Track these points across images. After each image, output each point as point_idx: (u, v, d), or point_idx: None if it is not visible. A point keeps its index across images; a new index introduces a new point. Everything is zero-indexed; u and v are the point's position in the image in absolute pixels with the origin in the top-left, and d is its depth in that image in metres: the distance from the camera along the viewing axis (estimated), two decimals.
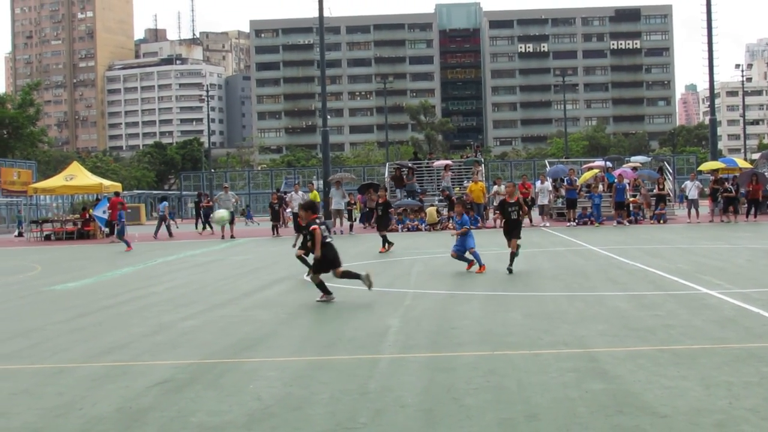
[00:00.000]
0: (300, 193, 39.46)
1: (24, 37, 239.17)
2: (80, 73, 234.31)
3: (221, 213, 13.14)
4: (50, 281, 20.35)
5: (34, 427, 6.95)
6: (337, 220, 40.45)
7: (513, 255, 18.30)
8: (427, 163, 53.09)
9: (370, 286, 14.37)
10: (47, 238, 44.63)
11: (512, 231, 18.50)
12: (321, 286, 14.38)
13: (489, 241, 19.20)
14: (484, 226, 39.68)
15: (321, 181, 54.42)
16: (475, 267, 18.81)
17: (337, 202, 40.24)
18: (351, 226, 41.67)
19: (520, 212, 18.69)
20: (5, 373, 9.32)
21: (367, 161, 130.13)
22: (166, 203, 46.73)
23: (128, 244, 32.49)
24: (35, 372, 9.27)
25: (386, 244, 26.28)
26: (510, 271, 18.01)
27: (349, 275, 14.50)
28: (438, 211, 40.58)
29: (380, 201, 28.77)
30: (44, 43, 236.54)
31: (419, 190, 46.25)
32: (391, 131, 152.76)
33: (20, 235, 51.49)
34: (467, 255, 19.17)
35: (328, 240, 14.65)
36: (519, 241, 18.54)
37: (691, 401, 7.06)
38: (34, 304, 15.77)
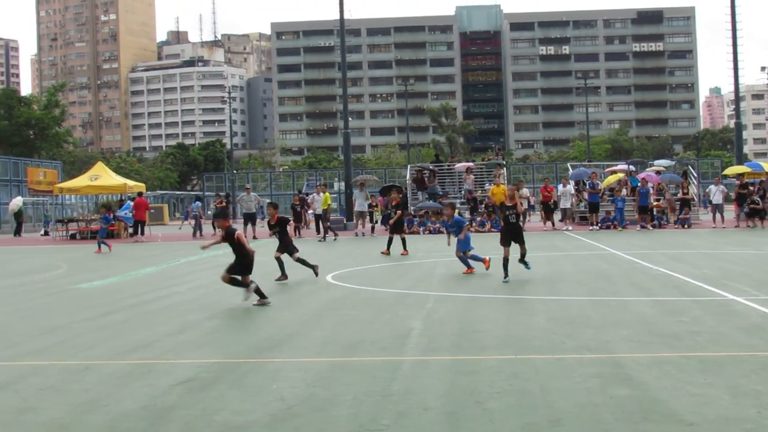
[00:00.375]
0: (321, 194, 39.56)
1: (49, 39, 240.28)
2: (104, 74, 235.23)
3: None
4: (76, 280, 20.46)
5: (61, 422, 7.03)
6: (360, 222, 40.48)
7: (522, 256, 17.71)
8: (449, 166, 53.00)
9: (246, 298, 14.53)
10: (72, 237, 44.82)
11: (514, 236, 17.63)
12: (233, 282, 14.54)
13: None
14: None
15: (343, 183, 54.40)
16: (479, 267, 19.19)
17: (360, 204, 40.27)
18: (372, 228, 41.68)
19: (519, 216, 18.04)
20: (33, 368, 9.40)
21: (388, 163, 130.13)
22: (199, 203, 46.84)
23: (100, 246, 32.16)
24: (62, 368, 9.35)
25: (404, 247, 26.30)
26: (526, 264, 17.73)
27: (234, 282, 14.60)
28: (460, 214, 40.52)
29: (394, 203, 28.76)
30: (68, 45, 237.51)
31: (441, 193, 46.18)
32: (412, 133, 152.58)
33: (46, 234, 51.70)
34: (471, 254, 19.41)
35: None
36: (525, 248, 17.87)
37: (718, 409, 7.03)
38: (60, 302, 15.87)
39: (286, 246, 18.49)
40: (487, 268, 18.90)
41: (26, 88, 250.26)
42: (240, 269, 14.49)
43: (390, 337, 10.77)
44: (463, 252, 19.40)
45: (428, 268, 21.09)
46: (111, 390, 8.15)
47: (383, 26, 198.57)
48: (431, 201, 44.40)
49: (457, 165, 52.53)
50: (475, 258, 19.30)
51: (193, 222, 45.18)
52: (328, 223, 39.07)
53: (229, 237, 14.60)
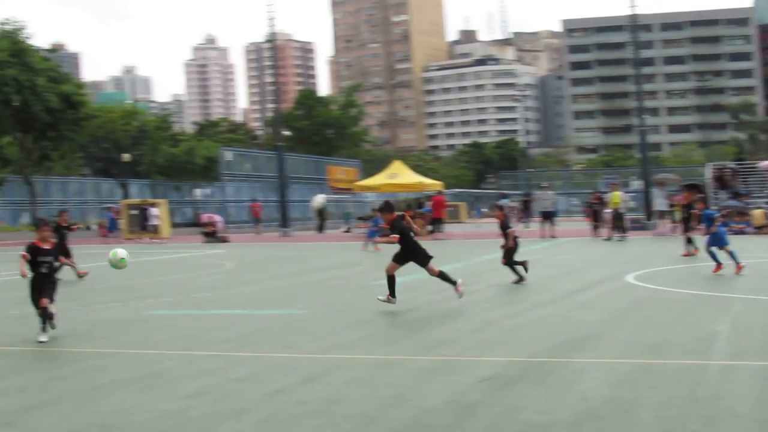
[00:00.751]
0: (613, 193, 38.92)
1: (343, 41, 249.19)
2: (397, 74, 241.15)
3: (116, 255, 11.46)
4: (376, 276, 21.01)
5: (370, 414, 7.26)
6: (661, 221, 39.55)
7: None
8: (752, 164, 50.80)
9: (460, 295, 14.44)
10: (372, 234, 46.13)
11: None
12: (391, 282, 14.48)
13: None
14: None
15: (641, 182, 53.19)
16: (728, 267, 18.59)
17: (660, 203, 39.42)
18: (674, 228, 40.57)
19: None
20: (341, 361, 9.77)
21: (686, 161, 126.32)
22: (506, 200, 47.04)
23: (375, 245, 33.02)
24: (368, 362, 9.67)
25: (693, 247, 25.45)
26: None
27: (444, 278, 14.55)
28: (766, 214, 38.75)
29: (683, 203, 27.95)
30: (362, 46, 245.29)
31: (743, 192, 44.33)
32: (711, 131, 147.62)
33: (348, 231, 53.39)
34: (719, 252, 18.79)
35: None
36: None
37: None
38: (362, 297, 16.39)
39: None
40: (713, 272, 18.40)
41: (323, 88, 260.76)
42: (405, 255, 14.53)
43: (695, 340, 10.47)
44: (719, 248, 18.68)
45: (732, 269, 20.29)
46: (416, 385, 8.34)
47: (676, 21, 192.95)
48: (733, 200, 42.72)
49: (762, 163, 50.28)
50: (733, 256, 18.61)
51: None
52: (620, 222, 38.41)
53: (398, 229, 14.55)
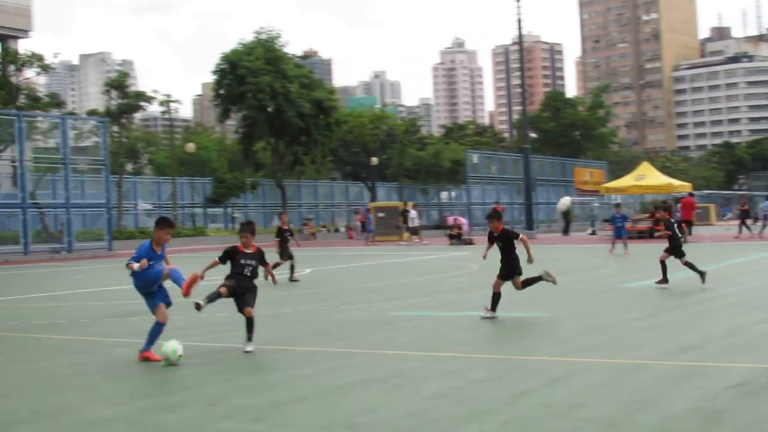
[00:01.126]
0: None
1: (591, 41, 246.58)
2: (646, 74, 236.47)
3: (169, 348, 9.68)
4: (624, 279, 20.77)
5: (613, 419, 7.15)
6: None
7: None
8: None
9: (554, 281, 14.02)
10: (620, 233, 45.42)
11: None
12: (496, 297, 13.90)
13: None
14: None
15: None
16: None
17: None
18: None
19: None
20: (585, 365, 9.68)
21: None
22: (767, 203, 45.38)
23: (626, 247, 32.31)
24: (612, 366, 9.53)
25: None
26: None
27: (528, 282, 14.05)
28: None
29: None
30: (611, 46, 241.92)
31: None
32: None
33: (594, 233, 52.80)
34: None
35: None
36: None
37: None
38: (609, 300, 16.19)
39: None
40: None
41: (570, 89, 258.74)
42: (507, 270, 14.05)
43: None
44: None
45: None
46: (661, 390, 8.17)
47: None
48: None
49: None
50: None
51: (764, 222, 43.74)
52: None
53: (504, 237, 14.13)
